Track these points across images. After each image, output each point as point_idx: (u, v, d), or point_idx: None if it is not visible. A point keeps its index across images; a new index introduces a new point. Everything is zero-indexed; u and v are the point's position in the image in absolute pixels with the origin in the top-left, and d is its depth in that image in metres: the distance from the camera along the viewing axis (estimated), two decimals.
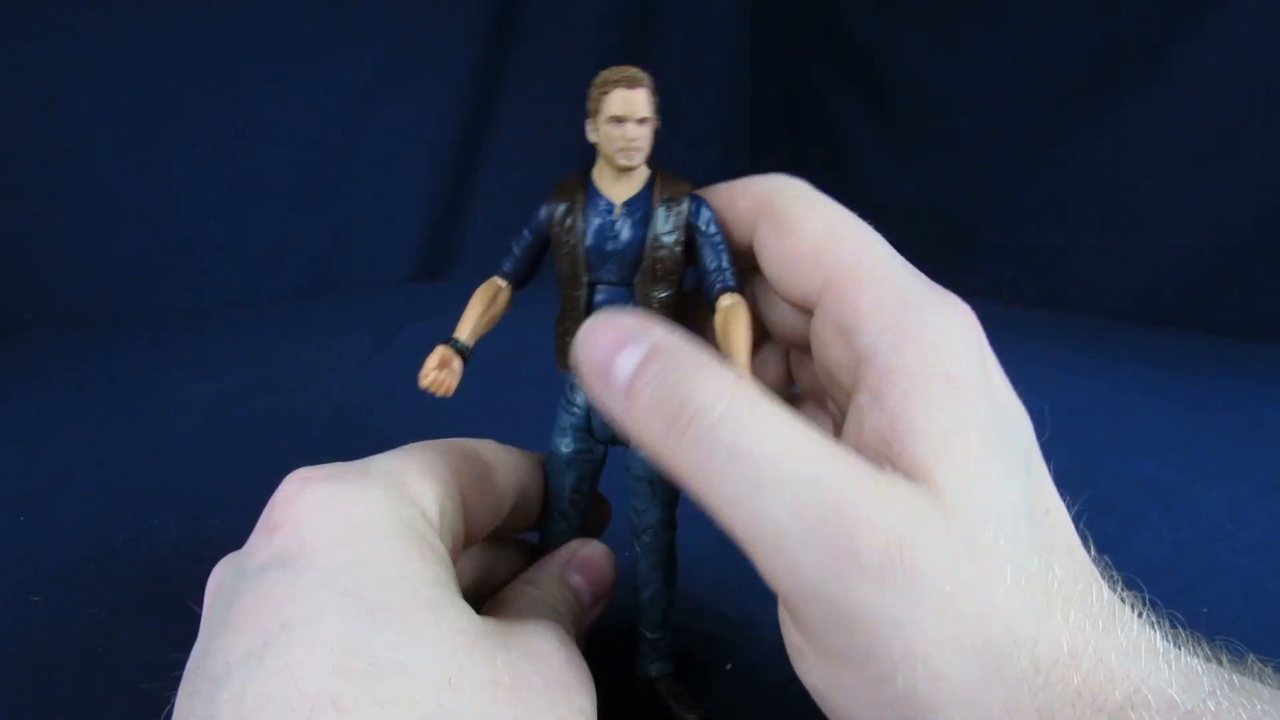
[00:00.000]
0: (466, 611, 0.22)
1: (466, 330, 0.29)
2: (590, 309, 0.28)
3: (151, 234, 0.99)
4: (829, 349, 0.25)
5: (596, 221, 0.27)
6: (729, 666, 0.34)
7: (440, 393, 0.28)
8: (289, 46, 1.04)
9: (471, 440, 0.29)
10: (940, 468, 0.21)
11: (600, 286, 0.28)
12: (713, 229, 0.27)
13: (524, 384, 0.64)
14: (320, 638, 0.20)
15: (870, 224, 0.27)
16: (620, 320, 0.23)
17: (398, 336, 0.88)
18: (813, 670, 0.22)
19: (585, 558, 0.30)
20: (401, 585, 0.22)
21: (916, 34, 1.19)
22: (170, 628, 0.37)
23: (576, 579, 0.29)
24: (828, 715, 0.23)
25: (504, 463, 0.29)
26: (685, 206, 0.27)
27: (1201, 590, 0.41)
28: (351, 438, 0.62)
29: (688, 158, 1.11)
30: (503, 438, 0.31)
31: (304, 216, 1.11)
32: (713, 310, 0.28)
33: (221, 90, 1.00)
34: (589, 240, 0.27)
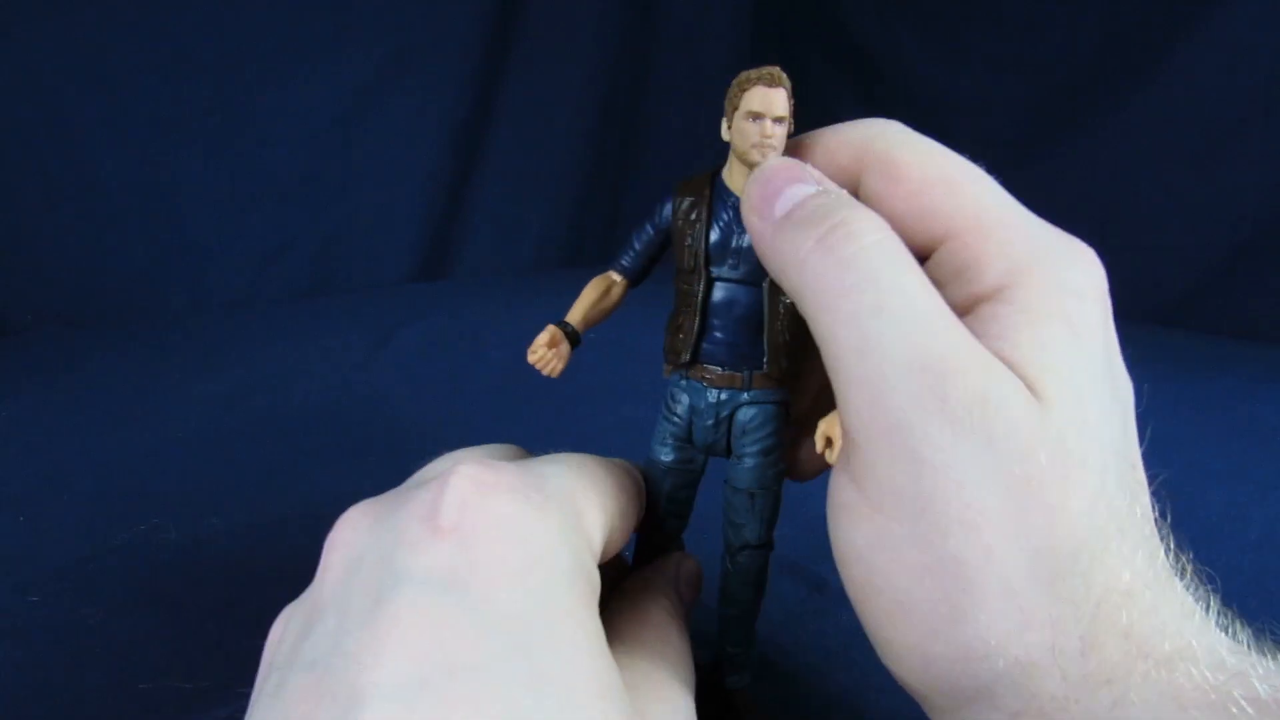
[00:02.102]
0: (622, 695, 0.21)
1: (578, 316, 0.28)
2: (706, 305, 0.27)
3: (151, 234, 0.99)
4: (942, 293, 0.24)
5: (723, 216, 0.27)
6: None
7: (546, 372, 0.27)
8: (289, 46, 1.04)
9: (615, 459, 0.28)
10: (1047, 382, 0.21)
11: (719, 283, 0.27)
12: None
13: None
14: (484, 700, 0.18)
15: None
16: (800, 165, 0.25)
17: (397, 336, 0.87)
18: (860, 525, 0.22)
19: (689, 571, 0.30)
20: (572, 656, 0.20)
21: (916, 34, 1.19)
22: (169, 628, 0.37)
23: (683, 590, 0.29)
24: (861, 582, 0.22)
25: (639, 483, 0.28)
26: None
27: (1200, 590, 0.41)
28: (351, 438, 0.62)
29: (688, 158, 1.10)
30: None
31: (304, 216, 1.11)
32: None
33: (221, 90, 1.00)
34: (713, 234, 0.27)
